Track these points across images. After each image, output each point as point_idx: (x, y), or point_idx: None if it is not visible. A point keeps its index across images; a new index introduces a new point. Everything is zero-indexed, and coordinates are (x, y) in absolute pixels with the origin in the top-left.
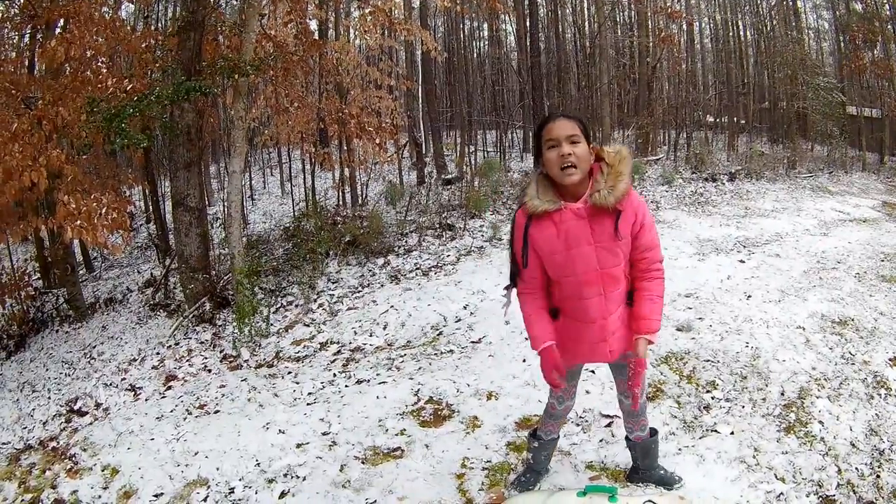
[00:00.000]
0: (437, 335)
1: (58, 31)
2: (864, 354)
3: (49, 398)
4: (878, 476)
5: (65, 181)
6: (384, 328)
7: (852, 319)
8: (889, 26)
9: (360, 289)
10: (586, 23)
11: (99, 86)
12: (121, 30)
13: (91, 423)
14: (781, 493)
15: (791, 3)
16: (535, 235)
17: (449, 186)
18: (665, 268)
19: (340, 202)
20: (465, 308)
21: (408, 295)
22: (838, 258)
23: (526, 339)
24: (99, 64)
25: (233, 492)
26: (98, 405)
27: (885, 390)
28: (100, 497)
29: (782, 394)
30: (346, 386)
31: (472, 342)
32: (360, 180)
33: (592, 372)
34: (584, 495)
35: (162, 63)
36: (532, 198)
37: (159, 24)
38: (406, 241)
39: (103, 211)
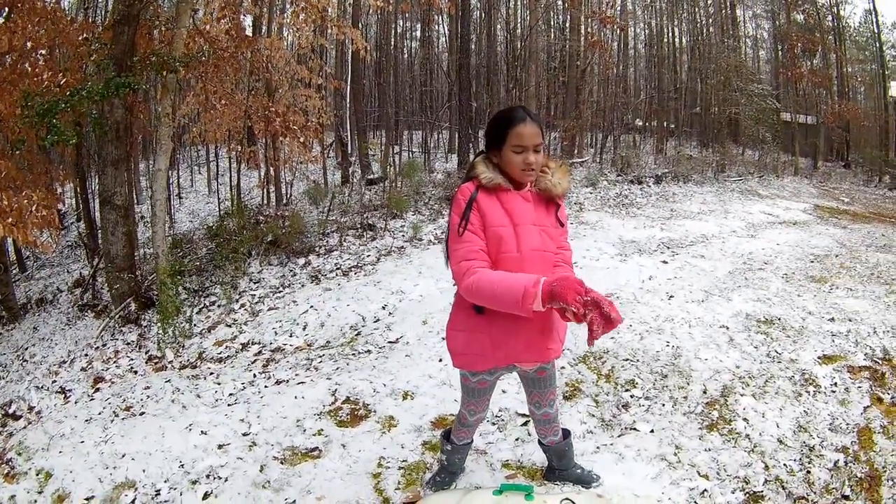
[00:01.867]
0: (356, 335)
1: (0, 20)
2: (791, 353)
3: None
4: (808, 472)
5: None
6: (304, 328)
7: (779, 319)
8: (830, 37)
9: (281, 289)
10: (518, 25)
11: (35, 79)
12: (61, 20)
13: (25, 427)
14: (705, 490)
15: (729, 12)
16: (483, 204)
17: (372, 186)
18: (585, 268)
19: (265, 201)
20: (383, 308)
21: (328, 295)
22: (765, 259)
23: (443, 338)
24: (37, 56)
25: (159, 493)
26: (31, 408)
27: (814, 387)
28: (35, 501)
29: (704, 392)
30: (266, 386)
31: (390, 342)
32: (285, 179)
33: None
34: (501, 494)
35: (97, 57)
36: (484, 172)
37: (98, 16)
38: (327, 241)
39: (34, 208)
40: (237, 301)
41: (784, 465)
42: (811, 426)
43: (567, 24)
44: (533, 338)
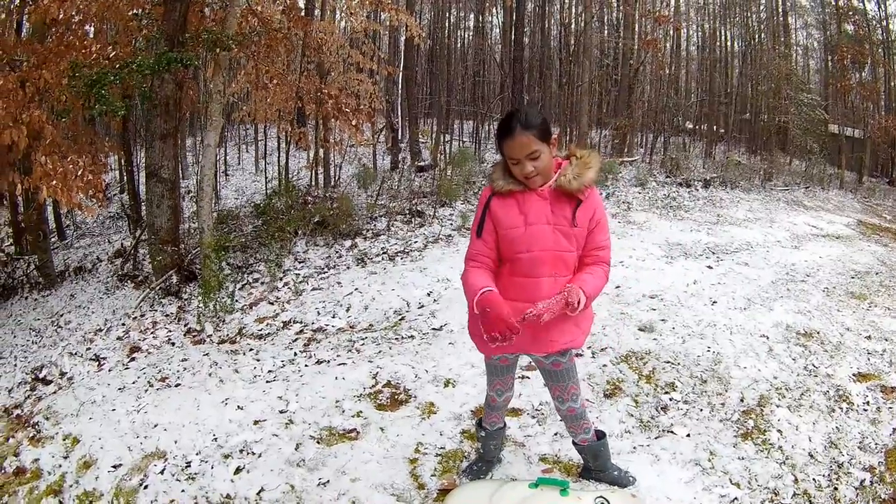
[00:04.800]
0: (400, 320)
1: None
2: (827, 368)
3: (15, 365)
4: (835, 488)
5: (43, 142)
6: (347, 310)
7: (818, 332)
8: (879, 50)
9: (325, 270)
10: (573, 21)
11: (83, 51)
12: None
13: (55, 392)
14: (736, 499)
15: (781, 19)
16: (496, 208)
17: (422, 173)
18: (632, 268)
19: (313, 182)
20: (428, 295)
21: (373, 278)
22: (808, 271)
23: None
24: (86, 28)
25: (189, 465)
26: (63, 374)
27: (846, 404)
28: (60, 466)
29: (742, 400)
30: (306, 365)
31: (434, 329)
32: (334, 162)
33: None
34: (536, 487)
35: (147, 32)
36: (497, 179)
37: None
38: (375, 225)
39: (80, 173)
40: (281, 279)
41: (813, 479)
42: (841, 443)
43: (621, 22)
44: (537, 330)
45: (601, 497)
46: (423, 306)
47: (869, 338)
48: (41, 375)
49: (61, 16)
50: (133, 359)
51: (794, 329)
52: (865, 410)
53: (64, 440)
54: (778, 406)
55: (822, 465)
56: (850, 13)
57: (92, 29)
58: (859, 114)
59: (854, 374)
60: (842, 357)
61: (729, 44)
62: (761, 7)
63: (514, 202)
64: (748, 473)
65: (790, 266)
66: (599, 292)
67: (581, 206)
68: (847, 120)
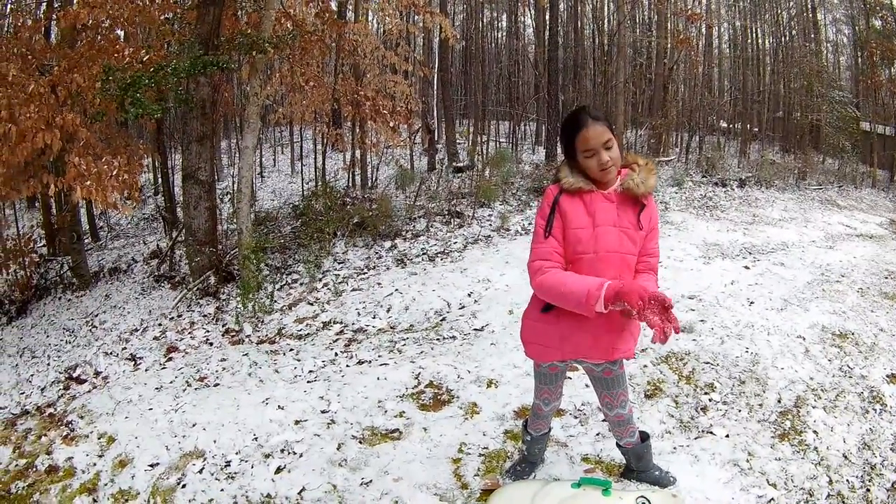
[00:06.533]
0: (441, 321)
1: None
2: (862, 369)
3: (48, 364)
4: (868, 490)
5: (77, 145)
6: (388, 311)
7: (853, 333)
8: None
9: (365, 270)
10: (605, 20)
11: (115, 55)
12: None
13: (89, 391)
14: (772, 499)
15: (811, 16)
16: (565, 206)
17: (459, 174)
18: (670, 269)
19: (350, 184)
20: (469, 295)
21: (413, 279)
22: (842, 272)
23: None
24: (117, 33)
25: (229, 465)
26: (97, 373)
27: (880, 405)
28: (94, 464)
29: (779, 401)
30: (347, 366)
31: (475, 329)
32: (371, 163)
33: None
34: (579, 487)
35: (179, 36)
36: (567, 176)
37: None
38: (414, 226)
39: (114, 172)
40: (320, 280)
41: (847, 480)
42: (875, 444)
43: (654, 21)
44: (600, 335)
45: (642, 497)
46: (463, 307)
47: None
48: (75, 375)
49: (91, 21)
50: (170, 358)
51: (829, 330)
52: None
53: (99, 439)
54: (814, 407)
55: (855, 467)
56: (878, 8)
57: (122, 33)
58: (890, 111)
59: (888, 376)
60: (875, 358)
61: (760, 41)
62: (790, 3)
63: (580, 201)
64: (785, 474)
65: (825, 266)
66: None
67: (644, 210)
68: (878, 117)
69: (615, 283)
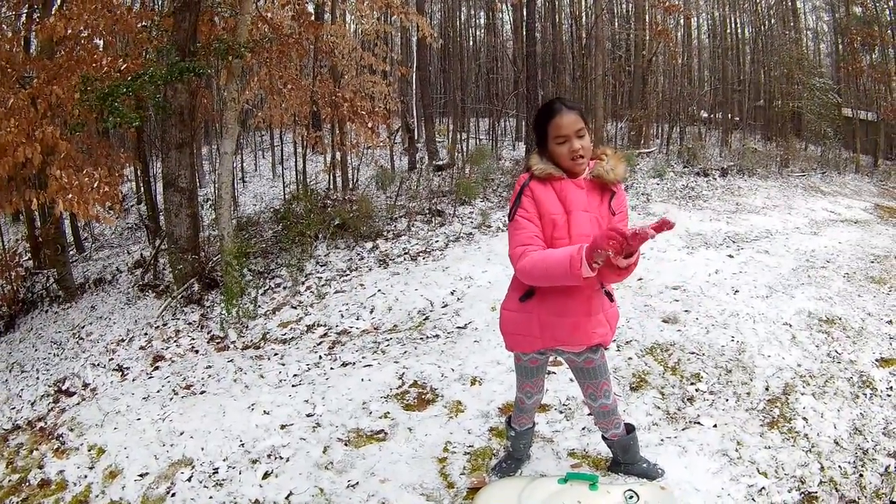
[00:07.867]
0: (424, 320)
1: (54, 9)
2: (850, 354)
3: (38, 378)
4: (860, 475)
5: (58, 157)
6: (371, 312)
7: (840, 318)
8: (888, 31)
9: (348, 272)
10: (583, 14)
11: (94, 65)
12: (118, 8)
13: (78, 403)
14: (763, 488)
15: (790, 4)
16: (537, 192)
17: (440, 173)
18: (653, 260)
19: (331, 186)
20: (451, 293)
21: (395, 279)
22: (827, 258)
23: None
24: (95, 42)
25: (217, 472)
26: (86, 385)
27: (870, 390)
28: (86, 477)
29: (767, 389)
30: (332, 368)
31: (458, 327)
32: (351, 164)
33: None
34: (565, 482)
35: (157, 43)
36: (537, 163)
37: (156, 4)
38: (395, 226)
39: (95, 185)
40: (303, 283)
41: (839, 466)
42: (866, 429)
43: (632, 13)
44: (580, 321)
45: (630, 490)
46: (446, 305)
47: (890, 322)
48: (64, 387)
49: (69, 32)
50: (157, 368)
51: (816, 316)
52: (889, 396)
53: (89, 451)
54: (803, 394)
55: (847, 452)
56: None
57: (101, 42)
58: (871, 96)
59: (877, 360)
60: (864, 343)
61: (739, 31)
62: None
63: (551, 189)
64: (775, 462)
65: (810, 252)
66: (630, 273)
67: (614, 197)
68: (860, 103)
69: (587, 242)
